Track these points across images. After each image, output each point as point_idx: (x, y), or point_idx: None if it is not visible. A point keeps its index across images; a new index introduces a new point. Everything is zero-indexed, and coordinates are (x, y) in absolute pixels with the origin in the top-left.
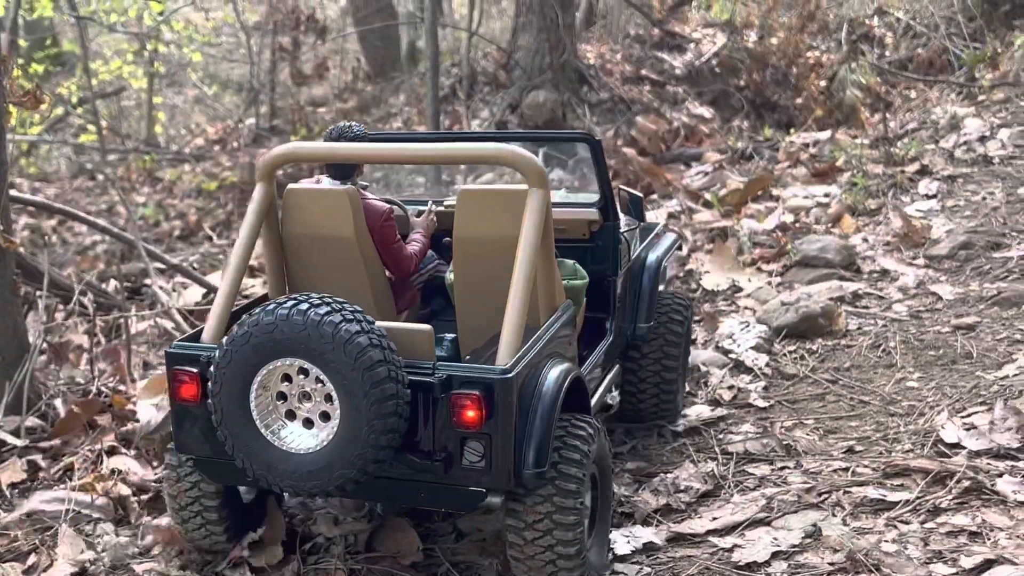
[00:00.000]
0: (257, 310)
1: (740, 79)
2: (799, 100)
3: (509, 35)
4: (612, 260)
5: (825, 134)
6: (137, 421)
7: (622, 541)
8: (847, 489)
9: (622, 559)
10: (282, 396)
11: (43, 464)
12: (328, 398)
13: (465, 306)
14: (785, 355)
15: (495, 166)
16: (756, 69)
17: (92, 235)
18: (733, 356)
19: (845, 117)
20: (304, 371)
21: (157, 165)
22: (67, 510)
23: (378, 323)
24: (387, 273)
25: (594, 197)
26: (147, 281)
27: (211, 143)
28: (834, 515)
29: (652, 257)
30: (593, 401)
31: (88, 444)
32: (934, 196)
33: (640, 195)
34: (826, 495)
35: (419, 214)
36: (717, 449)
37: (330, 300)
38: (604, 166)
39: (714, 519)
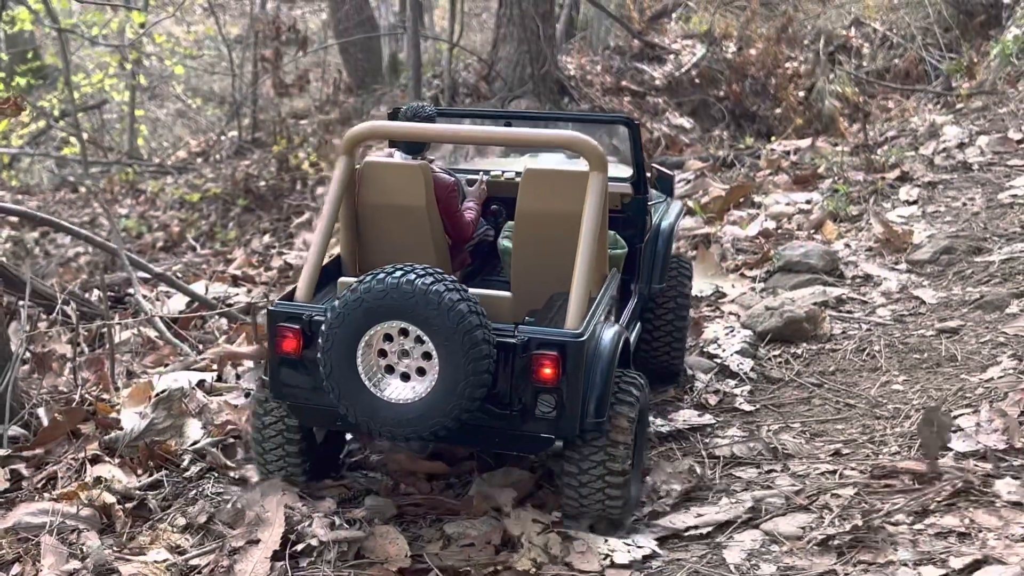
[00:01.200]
0: (367, 278)
1: (719, 90)
2: (778, 110)
3: (490, 46)
4: (639, 229)
5: (806, 142)
6: (121, 429)
7: (623, 551)
8: (835, 492)
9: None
10: (383, 353)
11: (26, 473)
12: (425, 356)
13: (521, 271)
14: (770, 359)
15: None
16: (735, 80)
17: (75, 246)
18: (719, 361)
19: (824, 127)
20: (404, 332)
21: (139, 177)
22: (51, 521)
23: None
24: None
25: (626, 172)
26: (130, 290)
27: (193, 155)
28: (822, 517)
29: (665, 224)
30: None
31: (71, 452)
32: (915, 202)
33: (672, 174)
34: (814, 497)
35: (470, 183)
36: (704, 453)
37: (433, 271)
38: (640, 146)
39: (699, 515)
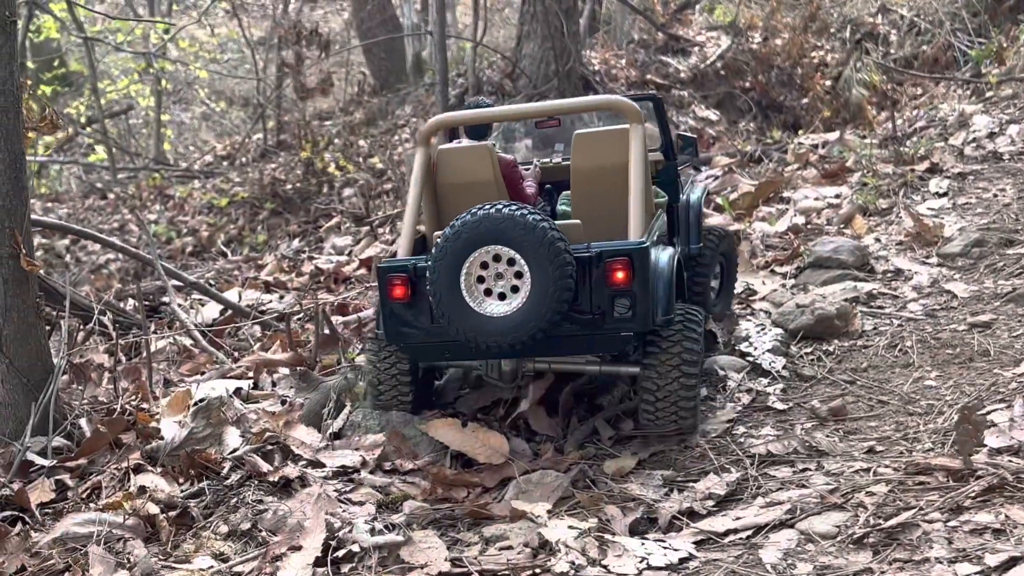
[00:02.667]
0: (463, 215)
1: (745, 81)
2: (805, 100)
3: (514, 44)
4: (674, 191)
5: (833, 135)
6: (161, 438)
7: (659, 553)
8: (869, 489)
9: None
10: (481, 279)
11: (71, 483)
12: (517, 275)
13: (579, 219)
14: (802, 357)
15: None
16: (761, 71)
17: (105, 254)
18: (751, 359)
19: (852, 116)
20: (497, 258)
21: (167, 182)
22: (97, 531)
23: None
24: None
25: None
26: (165, 299)
27: (219, 159)
28: (857, 516)
29: (694, 196)
30: None
31: (114, 462)
32: (945, 194)
33: (694, 136)
34: (848, 496)
35: (526, 170)
36: (739, 452)
37: (517, 203)
38: (666, 119)
39: (737, 519)
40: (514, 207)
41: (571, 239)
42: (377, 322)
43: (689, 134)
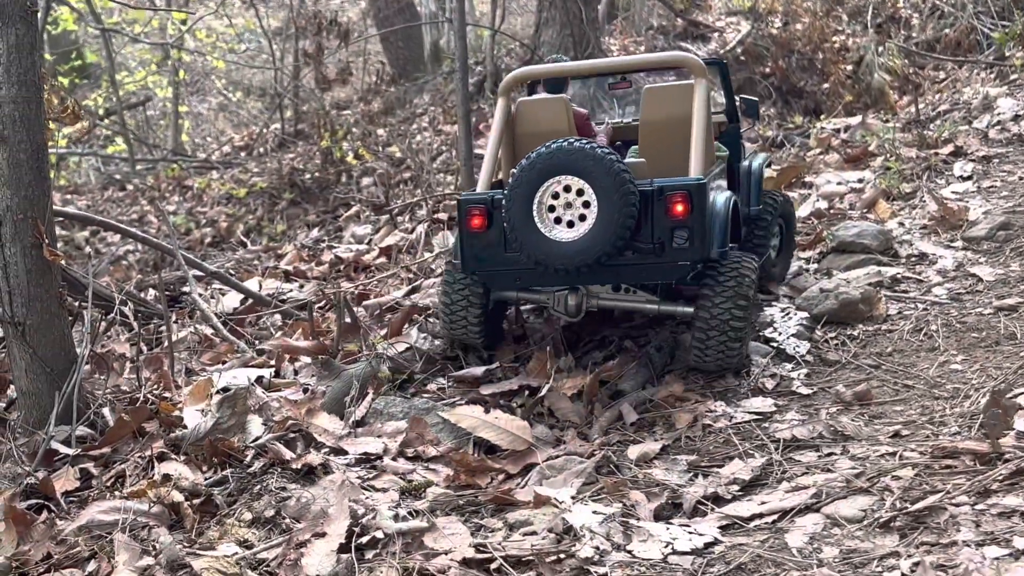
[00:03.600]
0: (538, 148)
1: (766, 66)
2: (826, 85)
3: (532, 31)
4: (736, 151)
5: (856, 119)
6: (185, 427)
7: (684, 538)
8: (895, 473)
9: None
10: (552, 208)
11: (95, 472)
12: (585, 204)
13: (650, 171)
14: (826, 342)
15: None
16: (781, 56)
17: (125, 245)
18: (775, 344)
19: (874, 101)
20: (568, 188)
21: (186, 173)
22: (122, 519)
23: None
24: None
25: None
26: (186, 288)
27: (237, 150)
28: (883, 499)
29: (756, 161)
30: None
31: (138, 451)
32: (969, 177)
33: (756, 99)
34: (874, 480)
35: (598, 126)
36: (764, 437)
37: (583, 140)
38: (730, 84)
39: (762, 504)
40: (584, 142)
41: (636, 175)
42: (455, 253)
43: (751, 97)
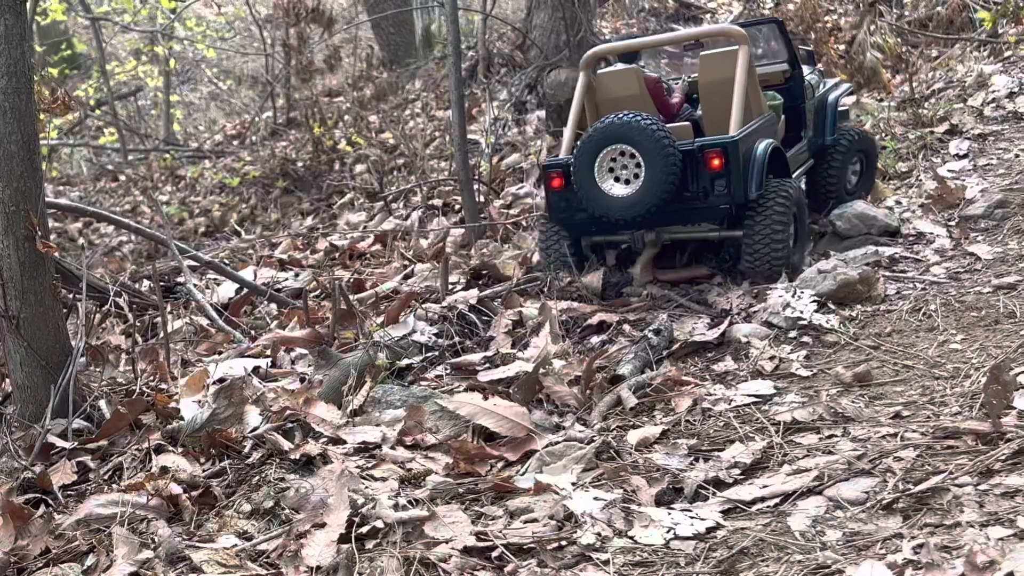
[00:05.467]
0: (597, 122)
1: (758, 48)
2: (819, 65)
3: (524, 15)
4: (800, 94)
5: (851, 99)
6: (182, 419)
7: (686, 523)
8: (897, 455)
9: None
10: (611, 169)
11: (92, 465)
12: (637, 166)
13: (709, 124)
14: (827, 322)
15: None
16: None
17: (118, 236)
18: (803, 322)
19: (867, 80)
20: (623, 153)
21: (178, 163)
22: (120, 512)
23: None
24: (660, 116)
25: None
26: (180, 279)
27: (229, 138)
28: (886, 481)
29: (831, 97)
30: (795, 173)
31: (135, 443)
32: (965, 156)
33: (810, 49)
34: (876, 461)
35: (676, 82)
36: (764, 420)
37: (640, 114)
38: (788, 38)
39: (764, 487)
40: (634, 115)
41: (682, 137)
42: (544, 207)
43: (806, 47)
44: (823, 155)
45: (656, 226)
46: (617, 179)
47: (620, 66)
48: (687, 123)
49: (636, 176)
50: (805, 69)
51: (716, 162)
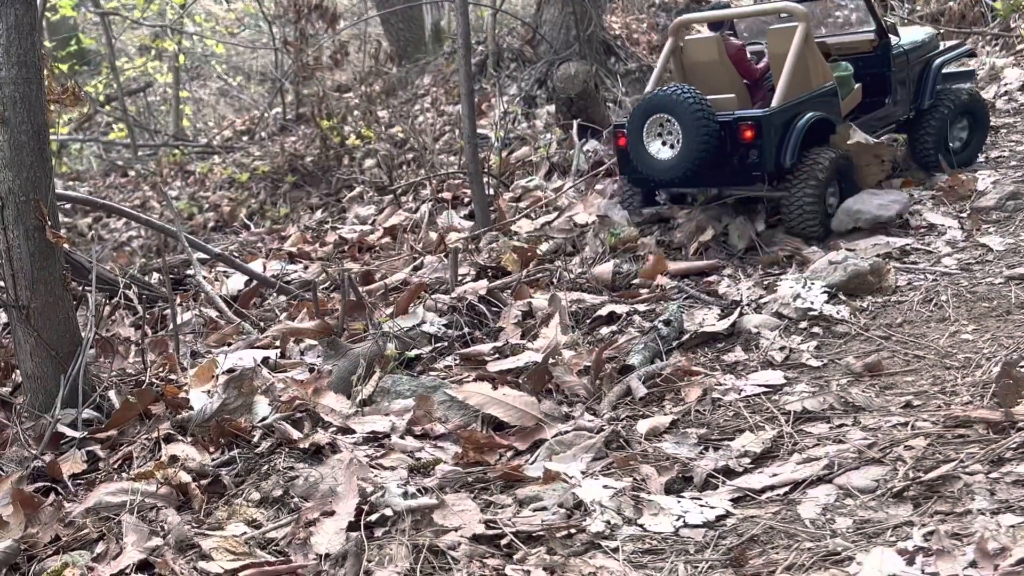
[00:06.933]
0: (645, 94)
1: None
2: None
3: (534, 10)
4: (887, 62)
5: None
6: (191, 409)
7: (695, 511)
8: (908, 444)
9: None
10: (659, 135)
11: (102, 454)
12: (677, 133)
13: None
14: (838, 313)
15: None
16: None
17: (127, 231)
18: (813, 313)
19: None
20: (667, 121)
21: (187, 158)
22: (130, 500)
23: (711, 97)
24: (744, 80)
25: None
26: (189, 271)
27: (239, 134)
28: (896, 469)
29: (936, 62)
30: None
31: (144, 433)
32: None
33: (893, 21)
34: (887, 450)
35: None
36: (775, 409)
37: (682, 87)
38: (872, 6)
39: (774, 476)
40: (675, 88)
41: (726, 108)
42: (617, 160)
43: (889, 20)
44: (921, 119)
45: (702, 186)
46: (664, 143)
47: (706, 33)
48: (732, 95)
49: (678, 142)
50: (894, 40)
51: (748, 134)
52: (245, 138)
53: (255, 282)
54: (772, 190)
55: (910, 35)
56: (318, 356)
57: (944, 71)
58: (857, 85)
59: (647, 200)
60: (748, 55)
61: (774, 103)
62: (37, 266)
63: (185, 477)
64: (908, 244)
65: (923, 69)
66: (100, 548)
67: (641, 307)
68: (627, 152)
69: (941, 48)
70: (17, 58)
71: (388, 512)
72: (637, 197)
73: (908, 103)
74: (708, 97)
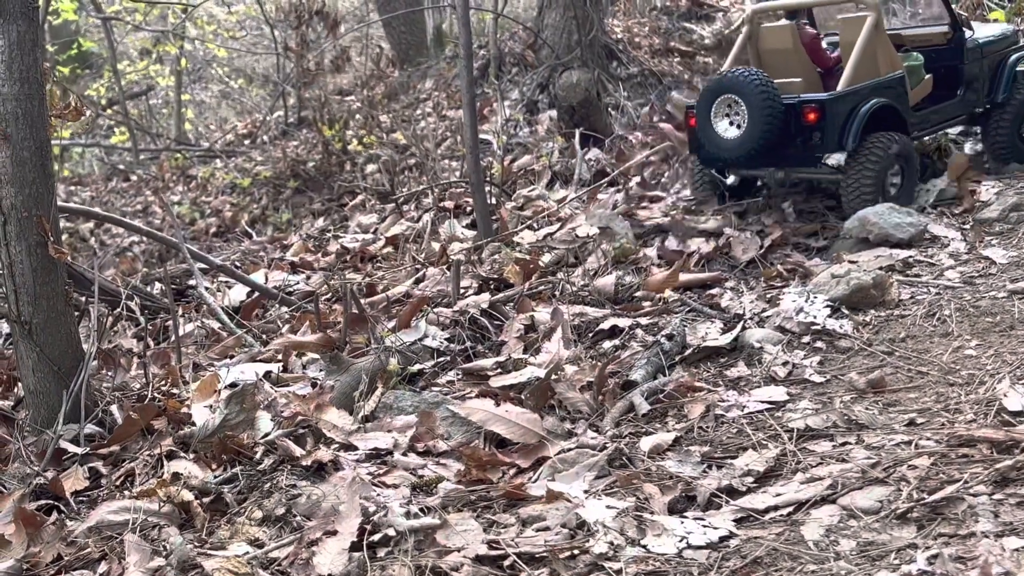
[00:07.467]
0: (713, 75)
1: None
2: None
3: (535, 14)
4: (960, 55)
5: None
6: (193, 424)
7: (698, 532)
8: (911, 463)
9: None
10: (726, 115)
11: (104, 471)
12: (743, 113)
13: (851, 76)
14: (841, 327)
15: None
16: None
17: (129, 236)
18: (816, 327)
19: None
20: (735, 102)
21: (189, 163)
22: (132, 519)
23: (778, 81)
24: (817, 68)
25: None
26: (191, 282)
27: (240, 138)
28: (900, 490)
29: (1013, 57)
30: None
31: (147, 449)
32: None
33: (964, 14)
34: (890, 470)
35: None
36: (777, 427)
37: (749, 70)
38: (949, 4)
39: (777, 496)
40: (743, 71)
41: (792, 92)
42: (688, 142)
43: (962, 13)
44: (995, 112)
45: (760, 166)
46: (731, 123)
47: (783, 21)
48: (798, 79)
49: (743, 123)
50: (967, 33)
51: (811, 116)
52: (247, 142)
53: (257, 293)
54: (833, 172)
55: (986, 30)
56: (320, 370)
57: (1020, 68)
58: (928, 76)
59: (716, 188)
60: (823, 44)
61: (839, 87)
62: (39, 281)
63: (187, 495)
64: (911, 256)
65: (999, 63)
66: (103, 568)
67: (644, 320)
68: (696, 132)
69: (1021, 44)
70: (19, 74)
71: (391, 532)
72: (706, 183)
73: (982, 96)
74: (775, 81)
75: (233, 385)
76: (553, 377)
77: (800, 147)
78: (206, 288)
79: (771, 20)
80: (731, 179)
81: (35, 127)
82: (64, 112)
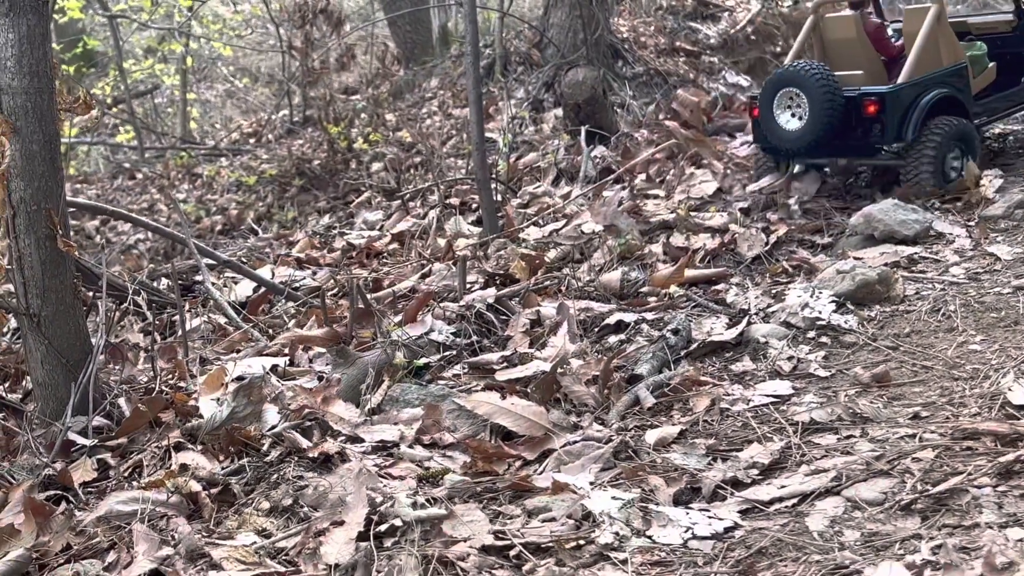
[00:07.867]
0: (777, 69)
1: (776, 45)
2: None
3: (541, 13)
4: (1022, 43)
5: None
6: (201, 417)
7: (704, 523)
8: (915, 456)
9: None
10: (788, 107)
11: (112, 463)
12: (804, 106)
13: (913, 67)
14: (846, 323)
15: None
16: (793, 34)
17: (135, 233)
18: (821, 322)
19: None
20: (796, 95)
21: (195, 161)
22: (141, 509)
23: (839, 73)
24: (882, 57)
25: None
26: (198, 278)
27: (246, 136)
28: (904, 482)
29: None
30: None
31: (154, 441)
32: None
33: None
34: (895, 462)
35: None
36: (783, 420)
37: (810, 64)
38: None
39: (782, 487)
40: (804, 64)
41: (853, 84)
42: (752, 131)
43: None
44: None
45: (822, 156)
46: (793, 115)
47: (847, 12)
48: (859, 71)
49: (805, 114)
50: None
51: (872, 108)
52: (252, 141)
53: (264, 288)
54: (894, 157)
55: None
56: (327, 364)
57: None
58: (991, 64)
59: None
60: (888, 33)
61: (900, 79)
62: (48, 274)
63: (195, 486)
64: (916, 253)
65: None
66: (111, 557)
67: (649, 315)
68: (759, 122)
69: None
70: (29, 68)
71: (397, 522)
72: (769, 168)
73: None
74: (836, 73)
75: (240, 378)
76: (559, 371)
77: (861, 138)
78: (212, 283)
79: (835, 10)
80: (797, 168)
81: (44, 121)
82: (73, 106)
